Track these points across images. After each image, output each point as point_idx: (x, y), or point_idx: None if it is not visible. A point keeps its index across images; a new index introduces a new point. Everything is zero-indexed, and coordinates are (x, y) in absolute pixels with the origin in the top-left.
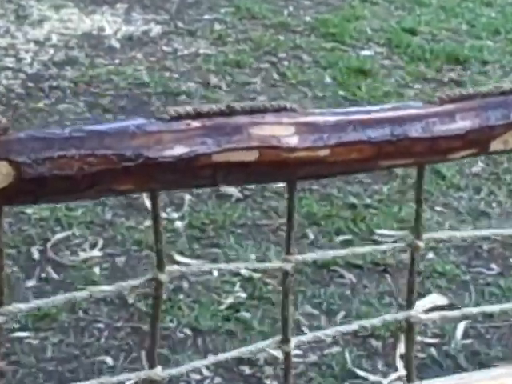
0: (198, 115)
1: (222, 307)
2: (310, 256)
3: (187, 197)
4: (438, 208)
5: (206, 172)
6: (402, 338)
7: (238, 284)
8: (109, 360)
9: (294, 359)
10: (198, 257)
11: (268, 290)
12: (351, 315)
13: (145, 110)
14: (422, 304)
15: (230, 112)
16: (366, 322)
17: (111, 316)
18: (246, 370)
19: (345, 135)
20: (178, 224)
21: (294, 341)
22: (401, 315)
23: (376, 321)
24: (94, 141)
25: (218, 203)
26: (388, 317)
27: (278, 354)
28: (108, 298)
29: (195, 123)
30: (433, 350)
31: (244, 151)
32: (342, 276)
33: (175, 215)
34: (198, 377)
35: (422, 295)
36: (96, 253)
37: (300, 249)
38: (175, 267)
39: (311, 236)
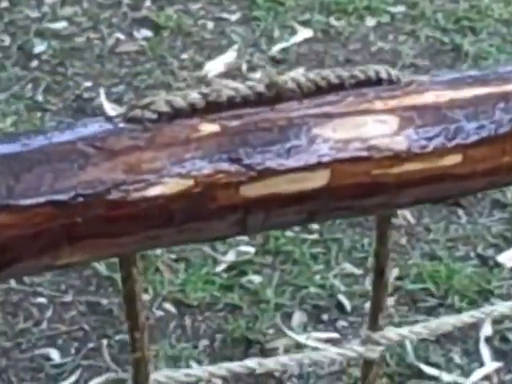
0: (208, 107)
1: (220, 268)
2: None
3: None
4: None
5: (227, 215)
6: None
7: None
8: (54, 354)
9: (326, 346)
10: None
11: (288, 239)
12: (409, 275)
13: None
14: None
15: (275, 96)
16: None
17: (58, 286)
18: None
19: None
20: None
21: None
22: None
23: None
24: None
25: None
26: None
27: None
28: None
29: (205, 126)
30: None
31: (305, 172)
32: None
33: None
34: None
35: None
36: None
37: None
38: None
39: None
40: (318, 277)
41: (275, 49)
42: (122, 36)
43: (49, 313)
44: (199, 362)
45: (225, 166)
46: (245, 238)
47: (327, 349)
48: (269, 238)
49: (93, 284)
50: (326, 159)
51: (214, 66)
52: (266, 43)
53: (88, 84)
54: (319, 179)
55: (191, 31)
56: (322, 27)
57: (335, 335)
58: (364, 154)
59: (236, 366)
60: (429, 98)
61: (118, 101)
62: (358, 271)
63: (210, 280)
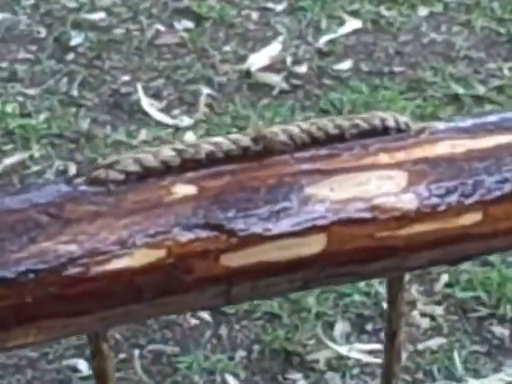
0: (184, 165)
1: None
2: None
3: None
4: None
5: (206, 288)
6: None
7: None
8: (82, 365)
9: (369, 358)
10: None
11: None
12: (459, 281)
13: None
14: None
15: (263, 151)
16: None
17: None
18: (297, 378)
19: None
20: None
21: None
22: None
23: None
24: None
25: None
26: None
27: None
28: None
29: (179, 187)
30: None
31: (296, 238)
32: None
33: None
34: None
35: None
36: None
37: None
38: None
39: None
40: (362, 284)
41: (322, 40)
42: (161, 27)
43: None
44: (235, 375)
45: (202, 233)
46: None
47: None
48: None
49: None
50: (321, 222)
51: (258, 59)
52: (312, 35)
53: (125, 78)
54: (314, 245)
55: (234, 22)
56: (371, 17)
57: (379, 346)
58: (366, 215)
59: None
60: (443, 148)
61: (156, 96)
62: (405, 277)
63: None
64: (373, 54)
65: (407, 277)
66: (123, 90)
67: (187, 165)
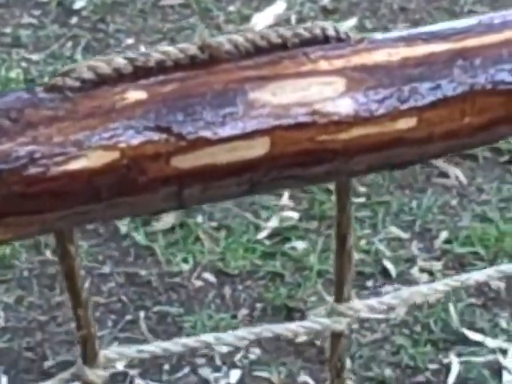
0: (136, 73)
1: (262, 235)
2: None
3: None
4: None
5: (159, 189)
6: None
7: (286, 196)
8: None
9: (369, 314)
10: None
11: (334, 203)
12: (458, 237)
13: None
14: None
15: (210, 59)
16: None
17: (95, 257)
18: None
19: (450, 84)
20: None
21: None
22: None
23: None
24: None
25: None
26: None
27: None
28: None
29: (131, 93)
30: None
31: (242, 141)
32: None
33: None
34: (225, 348)
35: None
36: None
37: None
38: None
39: None
40: (363, 242)
41: None
42: None
43: (86, 285)
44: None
45: (153, 135)
46: (289, 202)
47: (290, 324)
48: (314, 203)
49: (131, 254)
50: (264, 126)
51: (262, 19)
52: None
53: (130, 41)
54: (259, 148)
55: None
56: None
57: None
58: (307, 119)
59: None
60: (380, 56)
61: None
62: (405, 235)
63: (251, 247)
64: (377, 11)
65: (407, 235)
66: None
67: (139, 72)
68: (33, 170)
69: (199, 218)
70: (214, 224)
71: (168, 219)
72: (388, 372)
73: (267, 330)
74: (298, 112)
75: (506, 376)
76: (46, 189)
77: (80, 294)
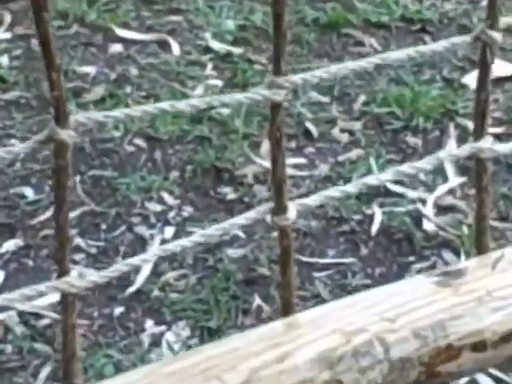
0: None
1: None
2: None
3: None
4: None
5: None
6: (451, 128)
7: (210, 66)
8: (28, 192)
9: (294, 171)
10: (148, 29)
11: (256, 72)
12: (375, 99)
13: None
14: None
15: None
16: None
17: (30, 128)
18: (228, 191)
19: None
20: None
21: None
22: None
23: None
24: None
25: None
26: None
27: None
28: (22, 100)
29: None
30: None
31: None
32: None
33: None
34: (158, 207)
35: None
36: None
37: None
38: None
39: None
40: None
41: None
42: None
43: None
44: (170, 192)
45: None
46: (213, 72)
47: (235, 94)
48: (237, 71)
49: None
50: None
51: None
52: None
53: None
54: None
55: None
56: None
57: (303, 160)
58: None
59: None
60: None
61: None
62: (325, 99)
63: (179, 114)
64: None
65: (327, 99)
66: None
67: None
68: None
69: (128, 89)
70: (143, 93)
71: (98, 91)
72: (314, 223)
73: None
74: None
75: (425, 224)
76: None
77: (53, 58)
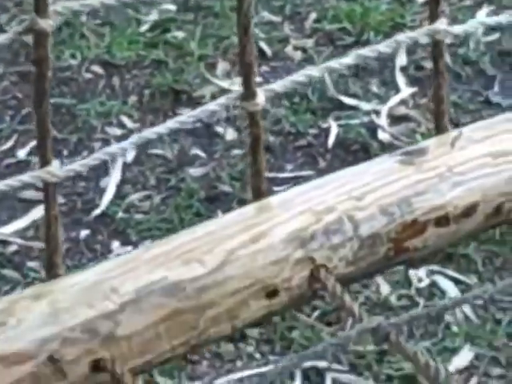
0: None
1: (144, 28)
2: None
3: None
4: None
5: None
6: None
7: None
8: None
9: None
10: None
11: None
12: (326, 16)
13: None
14: None
15: None
16: None
17: None
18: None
19: None
20: None
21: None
22: None
23: None
24: None
25: None
26: None
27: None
28: None
29: None
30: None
31: None
32: None
33: None
34: (118, 131)
35: None
36: None
37: None
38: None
39: None
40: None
41: None
42: None
43: None
44: (129, 116)
45: None
46: None
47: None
48: None
49: (22, 55)
50: None
51: None
52: None
53: None
54: None
55: None
56: None
57: (258, 79)
58: None
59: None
60: None
61: None
62: (277, 18)
63: (134, 40)
64: None
65: (279, 18)
66: None
67: None
68: None
69: (83, 18)
70: (98, 21)
71: (54, 20)
72: (272, 139)
73: None
74: None
75: (380, 134)
76: None
77: None
